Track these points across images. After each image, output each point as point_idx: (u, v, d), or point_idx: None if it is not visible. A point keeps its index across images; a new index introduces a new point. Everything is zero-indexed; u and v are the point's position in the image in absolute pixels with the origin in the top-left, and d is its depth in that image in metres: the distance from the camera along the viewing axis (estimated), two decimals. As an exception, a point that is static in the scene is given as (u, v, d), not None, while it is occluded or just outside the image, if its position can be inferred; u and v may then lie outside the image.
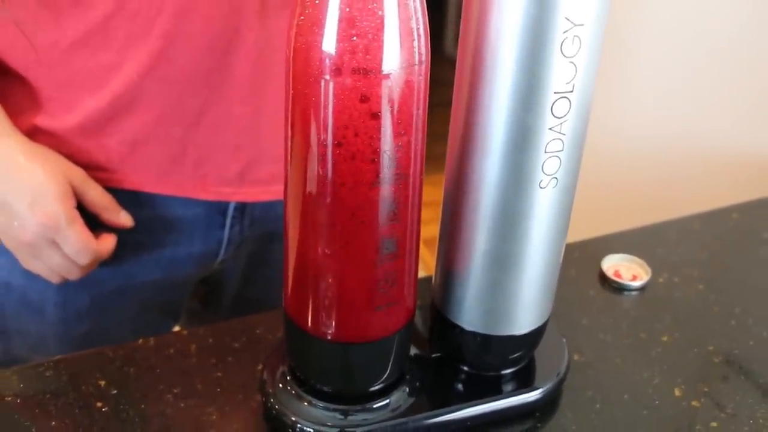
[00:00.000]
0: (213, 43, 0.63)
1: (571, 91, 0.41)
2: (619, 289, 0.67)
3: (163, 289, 0.74)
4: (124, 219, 0.67)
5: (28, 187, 0.61)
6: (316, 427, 0.48)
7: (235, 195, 0.71)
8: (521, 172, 0.43)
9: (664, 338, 0.61)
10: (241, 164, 0.69)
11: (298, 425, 0.48)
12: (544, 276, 0.48)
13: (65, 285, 0.68)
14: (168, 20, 0.61)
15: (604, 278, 0.68)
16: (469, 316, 0.50)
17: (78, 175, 0.64)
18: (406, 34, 0.38)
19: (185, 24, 0.61)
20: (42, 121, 0.64)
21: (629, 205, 1.30)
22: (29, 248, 0.63)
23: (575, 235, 0.68)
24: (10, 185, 0.61)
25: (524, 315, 0.50)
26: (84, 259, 0.64)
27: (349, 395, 0.50)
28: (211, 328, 0.60)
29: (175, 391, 0.53)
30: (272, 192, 0.72)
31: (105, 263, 0.68)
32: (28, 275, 0.67)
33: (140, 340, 0.57)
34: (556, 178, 0.44)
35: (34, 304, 0.70)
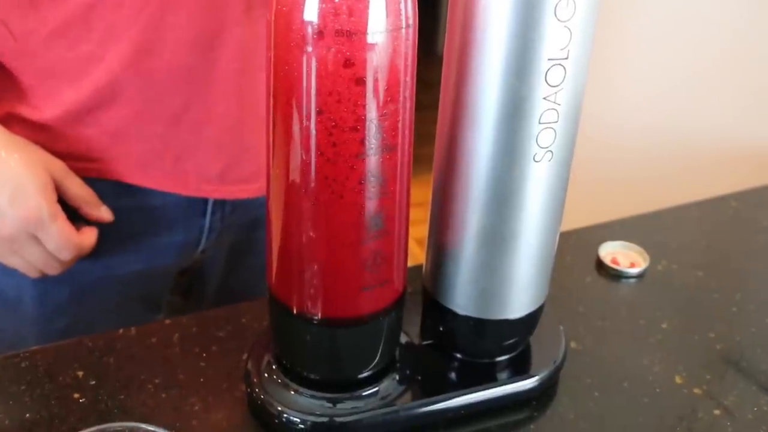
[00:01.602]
0: (198, 38, 0.61)
1: (566, 58, 0.40)
2: (616, 276, 0.65)
3: (144, 280, 0.72)
4: (104, 213, 0.65)
5: (8, 180, 0.59)
6: (303, 417, 0.46)
7: (216, 192, 0.69)
8: (514, 145, 0.41)
9: (664, 325, 0.60)
10: (223, 163, 0.67)
11: (285, 415, 0.46)
12: (539, 255, 0.47)
13: (43, 279, 0.65)
14: (153, 12, 0.59)
15: (601, 265, 0.66)
16: (462, 299, 0.48)
17: (59, 168, 0.62)
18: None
19: (170, 17, 0.59)
20: (22, 110, 0.62)
21: (627, 193, 1.29)
22: (9, 243, 0.61)
23: (572, 223, 0.66)
24: None
25: (519, 297, 0.48)
26: (66, 255, 0.62)
27: (338, 383, 0.48)
28: (194, 317, 0.58)
29: (157, 381, 0.51)
30: (253, 189, 0.71)
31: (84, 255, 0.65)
32: (3, 270, 0.64)
33: (120, 330, 0.55)
34: (551, 151, 0.42)
35: (10, 300, 0.68)
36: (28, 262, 0.62)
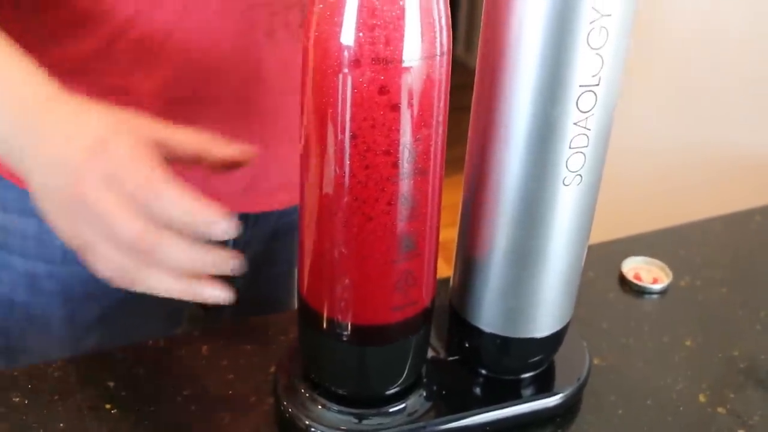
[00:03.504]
0: (224, 64, 0.60)
1: (597, 85, 0.40)
2: (639, 292, 0.66)
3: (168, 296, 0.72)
4: (235, 152, 0.49)
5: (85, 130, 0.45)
6: (330, 431, 0.47)
7: (242, 207, 0.69)
8: (545, 169, 0.42)
9: (688, 343, 0.60)
10: (247, 179, 0.67)
11: (312, 429, 0.47)
12: (566, 276, 0.47)
13: (71, 299, 0.65)
14: (177, 42, 0.58)
15: (624, 281, 0.66)
16: (489, 317, 0.48)
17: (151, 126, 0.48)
18: (427, 24, 0.37)
19: (195, 46, 0.59)
20: None
21: (649, 207, 1.29)
22: (80, 203, 0.43)
23: (594, 237, 0.66)
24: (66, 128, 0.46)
25: (545, 316, 0.48)
26: (184, 212, 0.42)
27: (365, 398, 0.48)
28: (222, 329, 0.59)
29: (186, 393, 0.52)
30: (278, 202, 0.71)
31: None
32: (33, 291, 0.65)
33: (150, 342, 0.56)
34: (580, 175, 0.43)
35: (39, 320, 0.68)
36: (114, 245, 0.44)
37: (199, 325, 0.82)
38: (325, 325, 0.45)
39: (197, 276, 0.45)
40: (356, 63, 0.36)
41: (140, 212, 0.42)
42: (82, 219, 0.44)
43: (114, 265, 0.45)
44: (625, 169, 1.39)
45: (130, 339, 0.59)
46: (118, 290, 0.67)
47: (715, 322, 0.63)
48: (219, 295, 0.46)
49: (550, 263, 0.46)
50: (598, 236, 0.69)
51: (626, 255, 0.69)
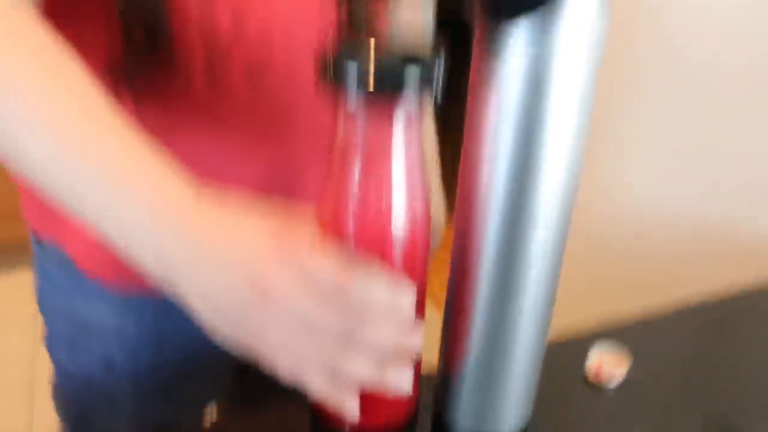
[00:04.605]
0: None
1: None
2: (599, 387, 0.70)
3: (215, 356, 0.71)
4: None
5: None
6: None
7: None
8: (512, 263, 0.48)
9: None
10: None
11: None
12: (526, 380, 0.54)
13: (140, 375, 0.68)
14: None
15: (585, 377, 0.71)
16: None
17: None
18: (411, 199, 0.47)
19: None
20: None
21: (617, 289, 1.29)
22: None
23: (562, 319, 0.68)
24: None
25: (510, 417, 0.56)
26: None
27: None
28: (248, 420, 0.64)
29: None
30: None
31: (171, 337, 0.68)
32: (108, 371, 0.68)
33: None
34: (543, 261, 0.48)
35: (110, 395, 0.70)
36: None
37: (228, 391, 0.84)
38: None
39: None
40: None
41: (338, 305, 0.41)
42: (265, 325, 0.42)
43: (312, 361, 0.42)
44: (590, 253, 1.39)
45: (183, 407, 0.64)
46: (178, 361, 0.69)
47: (672, 414, 0.67)
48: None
49: (513, 369, 0.53)
50: (565, 317, 0.72)
51: (589, 346, 0.74)
